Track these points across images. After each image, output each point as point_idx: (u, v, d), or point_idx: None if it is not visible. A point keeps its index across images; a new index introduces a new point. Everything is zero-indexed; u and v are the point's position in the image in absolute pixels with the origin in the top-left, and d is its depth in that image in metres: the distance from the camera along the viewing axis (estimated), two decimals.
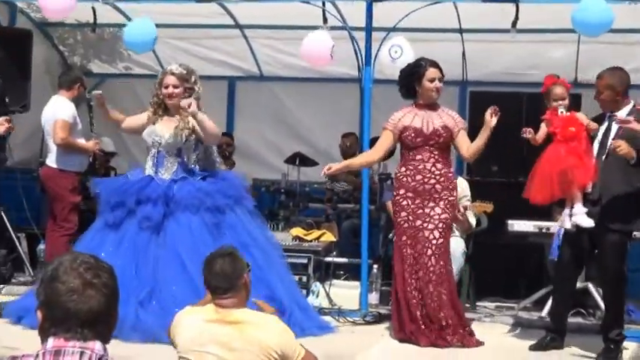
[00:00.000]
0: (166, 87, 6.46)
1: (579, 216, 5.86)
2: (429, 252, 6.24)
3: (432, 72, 6.36)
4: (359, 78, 7.66)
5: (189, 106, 6.26)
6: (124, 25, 8.06)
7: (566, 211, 5.96)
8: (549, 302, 6.72)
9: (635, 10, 7.33)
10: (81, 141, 7.80)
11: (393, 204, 6.51)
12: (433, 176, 6.33)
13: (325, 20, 7.49)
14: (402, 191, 6.37)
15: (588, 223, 5.81)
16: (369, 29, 7.29)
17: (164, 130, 6.47)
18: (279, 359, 3.56)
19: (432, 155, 6.35)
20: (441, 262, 6.24)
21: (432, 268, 6.22)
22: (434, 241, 6.25)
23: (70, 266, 2.19)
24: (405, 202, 6.34)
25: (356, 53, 7.63)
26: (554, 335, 6.08)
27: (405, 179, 6.37)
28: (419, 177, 6.33)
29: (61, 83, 7.92)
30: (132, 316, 5.81)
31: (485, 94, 8.86)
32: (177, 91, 6.44)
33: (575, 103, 8.70)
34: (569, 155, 5.93)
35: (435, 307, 6.16)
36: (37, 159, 8.17)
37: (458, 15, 8.41)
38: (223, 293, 3.70)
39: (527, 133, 6.13)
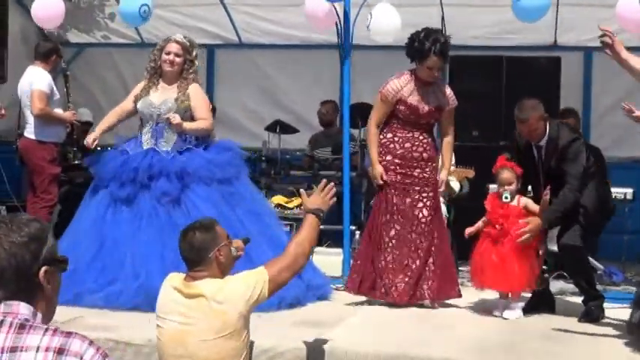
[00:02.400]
0: (168, 53, 6.36)
1: (508, 311, 5.93)
2: (420, 204, 6.31)
3: (432, 61, 6.25)
4: (339, 44, 7.61)
5: (174, 123, 6.18)
6: None
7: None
8: None
9: None
10: (58, 111, 7.74)
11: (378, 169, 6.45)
12: (421, 145, 6.37)
13: None
14: (388, 157, 6.39)
15: (514, 316, 5.90)
16: None
17: (160, 99, 6.36)
18: (244, 311, 3.68)
19: (422, 127, 6.41)
20: (429, 219, 6.31)
21: (425, 223, 6.29)
22: (423, 200, 6.32)
23: None
24: (393, 167, 6.36)
25: (336, 19, 7.56)
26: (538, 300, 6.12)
27: (392, 145, 6.38)
28: (407, 145, 6.37)
29: (37, 54, 7.83)
30: None
31: (465, 59, 8.85)
32: (178, 60, 6.36)
33: (554, 66, 8.78)
34: (487, 257, 5.94)
35: (428, 262, 6.25)
36: (15, 131, 8.10)
37: None
38: (193, 266, 3.75)
39: None
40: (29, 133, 7.67)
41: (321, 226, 7.82)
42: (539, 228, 5.76)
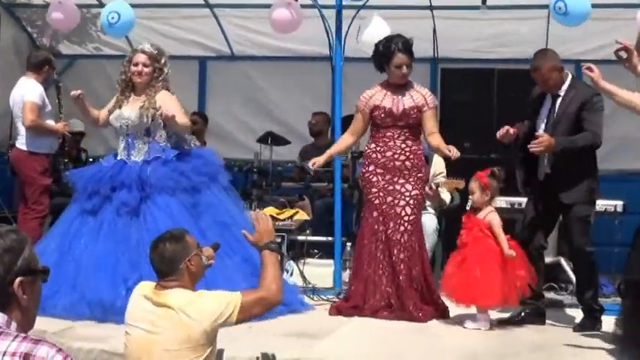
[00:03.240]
0: (136, 64, 6.38)
1: (470, 322, 5.95)
2: (402, 228, 6.26)
3: (399, 58, 6.31)
4: (330, 56, 7.64)
5: (165, 114, 6.19)
6: (92, 6, 8.00)
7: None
8: None
9: None
10: (50, 122, 7.73)
11: (361, 180, 6.51)
12: (403, 153, 6.34)
13: None
14: (371, 167, 6.39)
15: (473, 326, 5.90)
16: (339, 7, 7.28)
17: (131, 111, 6.38)
18: (209, 329, 3.63)
19: (402, 132, 6.37)
20: (413, 238, 6.27)
21: (405, 244, 6.25)
22: (406, 217, 6.27)
23: None
24: (375, 179, 6.36)
25: (327, 31, 7.60)
26: (530, 310, 6.11)
27: (374, 155, 6.38)
28: (389, 153, 6.35)
29: (29, 65, 7.84)
30: (122, 301, 5.78)
31: (457, 71, 8.90)
32: (147, 70, 6.37)
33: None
34: (454, 268, 5.98)
35: (405, 283, 6.19)
36: (7, 142, 8.09)
37: None
38: (164, 277, 3.76)
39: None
40: (21, 144, 7.66)
41: (313, 237, 7.99)
42: (551, 148, 5.75)
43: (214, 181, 6.45)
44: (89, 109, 6.62)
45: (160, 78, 6.42)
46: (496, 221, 5.97)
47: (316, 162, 6.53)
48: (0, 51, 8.47)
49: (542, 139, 5.72)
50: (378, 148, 6.38)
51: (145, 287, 3.84)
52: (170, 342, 3.62)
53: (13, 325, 2.17)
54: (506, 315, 6.16)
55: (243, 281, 5.54)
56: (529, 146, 5.75)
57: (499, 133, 6.02)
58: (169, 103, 6.34)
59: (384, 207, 6.30)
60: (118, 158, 6.42)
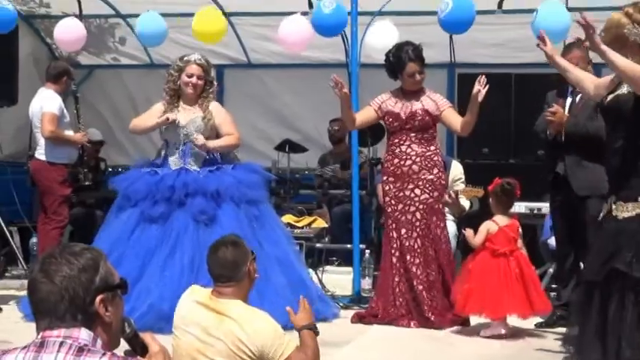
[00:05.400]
0: (190, 76, 6.36)
1: (484, 329, 5.93)
2: (414, 234, 6.31)
3: (410, 67, 6.38)
4: (346, 63, 7.65)
5: (199, 144, 6.25)
6: (110, 16, 8.05)
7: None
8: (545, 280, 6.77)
9: None
10: (69, 133, 7.78)
11: (378, 189, 6.66)
12: (409, 157, 6.39)
13: (311, 5, 7.48)
14: (384, 177, 6.51)
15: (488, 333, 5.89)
16: (354, 14, 7.28)
17: (187, 120, 6.36)
18: (255, 357, 3.56)
19: (408, 137, 6.41)
20: (427, 243, 6.30)
21: (419, 250, 6.27)
22: (417, 223, 6.33)
23: (41, 259, 2.20)
24: (387, 187, 6.45)
25: (343, 38, 7.61)
26: (561, 313, 6.08)
27: (386, 164, 6.52)
28: (396, 160, 6.43)
29: (48, 75, 7.88)
30: None
31: (474, 76, 8.79)
32: (200, 82, 6.39)
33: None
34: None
35: (422, 289, 6.20)
36: (27, 152, 8.14)
37: None
38: (225, 281, 3.71)
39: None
40: (40, 154, 7.70)
41: (331, 245, 7.97)
42: (562, 121, 5.79)
43: (267, 196, 6.56)
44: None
45: (211, 90, 6.46)
46: (481, 228, 6.00)
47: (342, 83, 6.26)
48: (19, 62, 8.51)
49: (556, 109, 5.76)
50: (388, 157, 6.49)
51: (198, 293, 3.79)
52: (220, 353, 3.56)
53: (99, 342, 2.17)
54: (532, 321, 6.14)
55: (291, 294, 5.54)
56: (544, 113, 5.85)
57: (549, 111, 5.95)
58: (222, 116, 6.45)
59: (396, 214, 6.37)
60: (174, 167, 6.36)
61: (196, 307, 3.71)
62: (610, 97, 4.29)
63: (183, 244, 6.06)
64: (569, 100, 6.05)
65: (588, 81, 4.55)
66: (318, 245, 7.91)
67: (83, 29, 7.89)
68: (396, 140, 6.43)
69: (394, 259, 6.31)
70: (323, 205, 8.75)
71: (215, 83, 6.54)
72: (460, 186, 7.42)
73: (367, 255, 7.53)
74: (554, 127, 5.93)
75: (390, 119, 6.46)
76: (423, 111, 6.40)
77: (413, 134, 6.40)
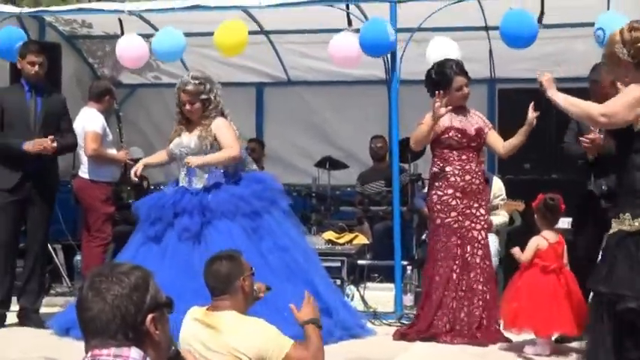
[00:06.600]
0: (184, 104, 6.49)
1: (529, 346, 5.89)
2: (480, 252, 6.31)
3: (458, 81, 6.38)
4: (386, 79, 7.65)
5: (191, 165, 6.37)
6: (150, 36, 8.13)
7: None
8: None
9: None
10: (112, 151, 7.86)
11: (436, 203, 6.39)
12: (478, 176, 6.41)
13: (350, 23, 7.51)
14: (450, 191, 6.36)
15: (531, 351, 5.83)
16: (394, 29, 7.28)
17: (190, 139, 6.50)
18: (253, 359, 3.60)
19: (474, 155, 6.44)
20: (487, 262, 6.35)
21: (483, 267, 6.30)
22: (482, 241, 6.36)
23: (89, 278, 2.22)
24: (454, 202, 6.35)
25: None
26: None
27: (453, 179, 6.37)
28: (468, 177, 6.37)
29: (91, 95, 7.99)
30: None
31: (514, 92, 8.82)
32: (195, 106, 6.46)
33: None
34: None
35: (480, 305, 6.21)
36: (70, 171, 8.24)
37: (483, 12, 8.38)
38: (219, 294, 3.80)
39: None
40: (83, 172, 7.79)
41: (373, 261, 7.96)
42: (599, 147, 5.83)
43: (275, 205, 6.49)
44: (156, 162, 6.93)
45: (211, 107, 6.48)
46: (530, 244, 5.96)
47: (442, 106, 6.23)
48: (62, 83, 8.63)
49: (594, 137, 5.79)
50: (457, 172, 6.37)
51: (196, 311, 3.89)
52: None
53: None
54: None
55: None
56: (580, 139, 5.88)
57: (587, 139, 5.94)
58: (222, 130, 6.44)
59: (462, 231, 6.32)
60: (180, 185, 6.53)
61: (194, 324, 3.81)
62: None
63: (173, 265, 6.18)
64: None
65: (595, 112, 4.46)
66: (359, 262, 7.90)
67: (146, 46, 8.01)
68: (464, 157, 6.38)
69: (454, 275, 6.27)
70: (364, 221, 8.75)
71: (216, 98, 6.49)
72: (499, 202, 7.41)
73: (409, 271, 7.51)
74: (592, 152, 5.91)
75: (459, 135, 6.37)
76: (480, 130, 6.44)
77: (476, 152, 6.44)
